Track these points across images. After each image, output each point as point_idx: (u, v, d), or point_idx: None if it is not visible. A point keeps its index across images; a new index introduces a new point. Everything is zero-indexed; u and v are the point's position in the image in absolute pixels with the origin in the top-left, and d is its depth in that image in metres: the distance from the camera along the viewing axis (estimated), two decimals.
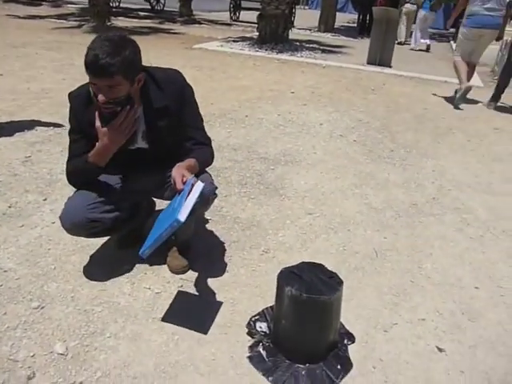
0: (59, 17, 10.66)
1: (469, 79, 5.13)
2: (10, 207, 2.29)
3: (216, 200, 2.48)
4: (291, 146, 3.42)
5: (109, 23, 9.13)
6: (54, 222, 2.18)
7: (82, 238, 2.03)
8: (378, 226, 2.43)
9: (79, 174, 1.71)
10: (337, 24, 12.92)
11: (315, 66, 6.87)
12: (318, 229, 2.34)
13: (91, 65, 1.44)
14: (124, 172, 1.82)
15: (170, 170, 1.58)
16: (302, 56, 7.59)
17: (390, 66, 7.16)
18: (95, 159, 1.62)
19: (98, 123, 1.58)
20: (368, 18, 11.84)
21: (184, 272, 1.91)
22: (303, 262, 1.61)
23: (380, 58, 7.16)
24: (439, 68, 7.88)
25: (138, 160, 1.77)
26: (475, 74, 5.72)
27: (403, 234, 2.38)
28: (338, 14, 13.13)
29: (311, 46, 8.86)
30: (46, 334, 1.54)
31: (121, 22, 10.20)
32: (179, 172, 1.52)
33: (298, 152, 3.32)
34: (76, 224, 1.66)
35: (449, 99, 5.41)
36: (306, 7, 22.41)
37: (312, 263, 1.61)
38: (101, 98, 1.48)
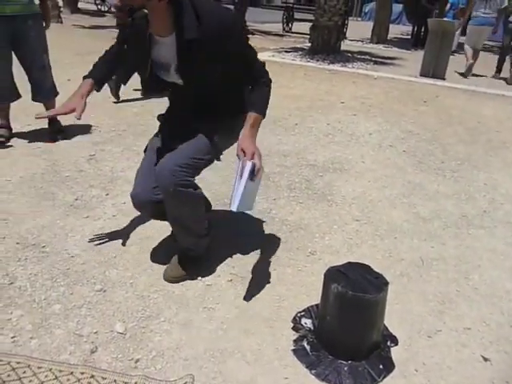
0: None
1: (474, 60, 7.58)
2: (76, 200, 2.49)
3: (265, 202, 2.59)
4: (340, 154, 3.47)
5: None
6: (114, 216, 2.35)
7: (140, 230, 2.20)
8: (426, 236, 2.43)
9: None
10: (390, 36, 12.78)
11: (366, 77, 6.86)
12: (364, 235, 2.38)
13: None
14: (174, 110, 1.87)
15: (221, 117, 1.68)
16: (353, 67, 7.60)
17: (444, 78, 7.03)
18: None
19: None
20: (423, 29, 11.68)
21: (176, 282, 1.87)
22: (350, 262, 1.67)
23: (434, 69, 7.05)
24: (495, 81, 7.65)
25: (180, 98, 1.80)
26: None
27: (451, 244, 2.37)
28: (391, 25, 13.00)
29: (363, 57, 8.85)
30: (108, 315, 1.68)
31: None
32: (250, 149, 1.56)
33: (346, 160, 3.36)
34: (144, 205, 1.80)
35: (504, 113, 5.26)
36: (359, 19, 22.30)
37: (358, 263, 1.66)
38: (116, 1, 1.46)
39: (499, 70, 7.89)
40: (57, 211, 2.35)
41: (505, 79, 7.50)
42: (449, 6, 9.58)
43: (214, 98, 1.73)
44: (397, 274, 2.07)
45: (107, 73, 1.88)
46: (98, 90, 1.86)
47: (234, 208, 1.50)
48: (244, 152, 1.56)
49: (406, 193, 2.92)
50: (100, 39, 8.75)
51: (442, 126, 4.51)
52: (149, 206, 1.79)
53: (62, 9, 12.34)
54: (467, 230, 2.54)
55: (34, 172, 2.76)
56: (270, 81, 1.76)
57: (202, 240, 1.92)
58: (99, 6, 15.33)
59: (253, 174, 1.54)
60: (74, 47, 7.21)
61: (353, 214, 2.60)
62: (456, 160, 3.59)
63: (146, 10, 1.49)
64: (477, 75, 7.81)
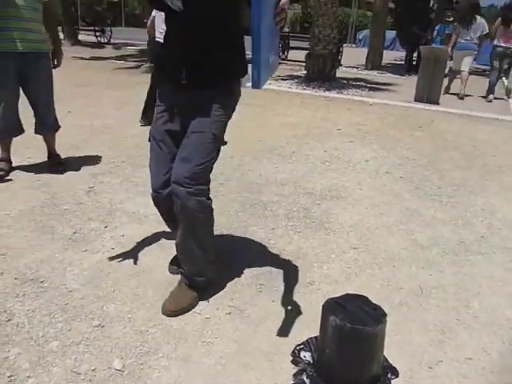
0: (120, 58, 11.47)
1: (464, 81, 8.24)
2: (74, 233, 2.50)
3: (263, 232, 2.61)
4: (337, 181, 3.50)
5: None
6: (113, 248, 2.36)
7: (139, 262, 2.20)
8: (424, 263, 2.43)
9: None
10: (384, 62, 13.05)
11: (362, 103, 6.97)
12: (362, 263, 2.38)
13: None
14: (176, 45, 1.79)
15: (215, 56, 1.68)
16: (348, 94, 7.73)
17: (438, 103, 7.14)
18: None
19: None
20: (416, 55, 11.99)
21: (175, 316, 1.86)
22: (348, 294, 1.67)
23: (428, 95, 7.17)
24: (490, 104, 7.77)
25: (180, 30, 1.74)
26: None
27: (450, 271, 2.37)
28: (385, 51, 13.28)
29: (358, 83, 9.01)
30: (106, 351, 1.67)
31: None
32: None
33: (343, 188, 3.39)
34: (164, 199, 1.86)
35: (499, 137, 5.33)
36: (354, 45, 22.79)
37: (356, 295, 1.66)
38: None
39: (491, 91, 8.34)
40: (55, 245, 2.35)
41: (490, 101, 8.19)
42: (435, 32, 10.11)
43: (211, 37, 1.72)
44: (396, 303, 2.07)
45: None
46: None
47: (258, 85, 1.43)
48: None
49: (403, 219, 2.94)
50: (99, 70, 8.94)
51: (437, 151, 4.56)
52: (168, 199, 1.83)
53: (62, 41, 12.64)
54: (465, 256, 2.54)
55: (33, 205, 2.78)
56: None
57: (210, 265, 1.96)
58: (99, 38, 15.69)
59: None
60: (74, 79, 7.33)
61: (350, 242, 2.60)
62: (452, 185, 3.62)
63: None
64: (468, 95, 8.35)
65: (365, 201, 3.18)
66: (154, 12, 4.33)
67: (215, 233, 2.44)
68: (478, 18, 8.17)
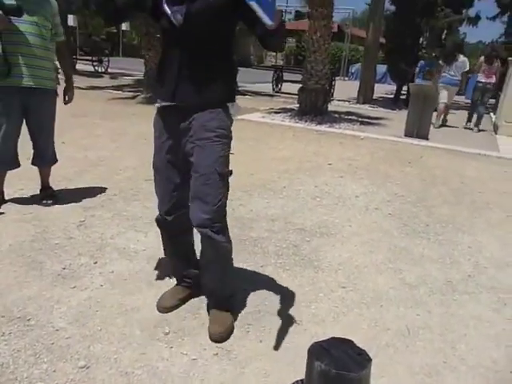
0: (116, 88, 11.66)
1: (446, 113, 9.31)
2: (64, 269, 2.50)
3: (252, 270, 2.62)
4: (327, 217, 3.55)
5: None
6: (102, 285, 2.36)
7: (127, 301, 2.20)
8: (411, 303, 2.45)
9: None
10: (375, 95, 13.34)
11: (353, 137, 7.11)
12: (350, 303, 2.39)
13: None
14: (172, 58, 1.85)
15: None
16: (340, 127, 7.88)
17: (428, 139, 7.29)
18: None
19: None
20: (405, 89, 12.36)
21: (222, 339, 1.99)
22: (333, 338, 1.68)
23: (417, 130, 7.33)
24: (478, 140, 7.95)
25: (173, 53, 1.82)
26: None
27: (437, 311, 2.39)
28: (376, 85, 13.59)
29: (349, 117, 9.19)
30: None
31: None
32: None
33: (333, 224, 3.43)
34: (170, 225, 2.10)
35: (487, 173, 5.44)
36: (346, 78, 23.31)
37: (342, 339, 1.67)
38: None
39: (470, 120, 9.46)
40: (44, 281, 2.35)
41: (471, 128, 9.24)
42: (418, 69, 10.68)
43: (207, 56, 1.78)
44: (383, 344, 2.07)
45: None
46: None
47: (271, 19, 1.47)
48: None
49: (391, 257, 2.97)
50: (96, 100, 9.06)
51: (426, 187, 4.64)
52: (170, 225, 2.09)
53: (59, 70, 12.83)
54: (452, 296, 2.56)
55: (23, 239, 2.78)
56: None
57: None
58: (96, 68, 15.95)
59: None
60: (70, 109, 7.33)
61: (339, 280, 2.62)
62: (441, 222, 3.68)
63: None
64: (450, 126, 9.30)
65: (354, 238, 3.22)
66: None
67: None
68: (461, 56, 9.02)
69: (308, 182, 4.43)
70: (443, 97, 8.90)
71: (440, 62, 9.45)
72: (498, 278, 2.82)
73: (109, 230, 3.01)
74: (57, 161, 3.49)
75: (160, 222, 2.13)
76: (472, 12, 18.40)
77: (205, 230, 1.88)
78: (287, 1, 26.55)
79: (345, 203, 3.92)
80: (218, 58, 1.84)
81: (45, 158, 3.38)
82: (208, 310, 2.15)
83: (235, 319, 2.14)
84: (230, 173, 1.98)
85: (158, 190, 2.06)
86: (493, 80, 8.87)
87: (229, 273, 2.13)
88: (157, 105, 1.97)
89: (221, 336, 1.99)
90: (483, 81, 8.84)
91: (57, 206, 3.37)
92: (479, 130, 9.01)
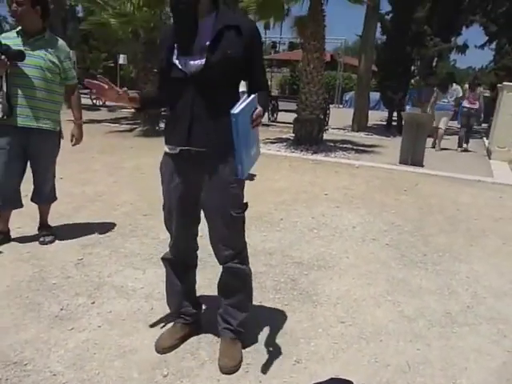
0: (113, 121, 11.81)
1: (440, 136, 9.85)
2: (61, 309, 2.49)
3: (251, 306, 2.61)
4: (324, 249, 3.56)
5: (157, 127, 9.97)
6: (100, 326, 2.35)
7: (125, 342, 2.19)
8: (411, 337, 2.44)
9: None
10: (370, 122, 13.53)
11: (349, 166, 7.18)
12: (349, 338, 2.38)
13: None
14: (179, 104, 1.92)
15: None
16: (335, 156, 7.98)
17: (423, 165, 7.38)
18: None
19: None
20: (396, 115, 12.68)
21: (233, 372, 2.03)
22: (332, 378, 1.68)
23: (412, 157, 7.42)
24: (472, 166, 8.04)
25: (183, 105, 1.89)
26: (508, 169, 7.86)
27: (436, 345, 2.38)
28: (370, 112, 13.79)
29: (345, 146, 9.31)
30: None
31: None
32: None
33: (330, 256, 3.44)
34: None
35: (482, 199, 5.49)
36: (341, 106, 23.67)
37: (341, 379, 1.67)
38: None
39: (460, 145, 10.13)
40: (41, 324, 2.34)
41: (468, 150, 10.06)
42: (407, 96, 11.65)
43: (215, 104, 1.86)
44: (383, 381, 2.06)
45: (151, 97, 2.20)
46: (137, 107, 2.10)
47: (242, 176, 1.72)
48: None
49: (389, 289, 2.97)
50: (94, 135, 9.14)
51: (422, 215, 4.67)
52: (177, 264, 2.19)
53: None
54: (451, 328, 2.56)
55: (21, 280, 2.78)
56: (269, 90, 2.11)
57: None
58: (94, 101, 16.17)
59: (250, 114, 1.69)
60: (68, 143, 7.50)
61: (338, 315, 2.62)
62: (437, 251, 3.69)
63: None
64: (446, 149, 9.99)
65: (352, 270, 3.22)
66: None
67: (203, 306, 2.47)
68: (454, 84, 10.00)
69: (305, 213, 4.46)
70: (441, 122, 9.64)
71: (435, 89, 10.10)
72: (497, 308, 2.81)
73: (106, 268, 3.01)
74: (56, 199, 3.52)
75: (168, 260, 2.19)
76: (461, 40, 18.88)
77: (228, 265, 2.04)
78: (281, 32, 27.17)
79: (342, 234, 3.93)
80: (231, 101, 1.85)
81: (42, 195, 3.41)
82: (220, 341, 2.19)
83: None
84: (246, 206, 2.03)
85: (171, 231, 2.13)
86: (476, 106, 9.91)
87: (251, 298, 2.23)
88: (166, 150, 2.01)
89: (232, 370, 2.04)
90: (468, 106, 9.86)
91: (55, 243, 3.38)
92: (462, 151, 9.92)
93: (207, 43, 1.81)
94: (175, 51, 1.86)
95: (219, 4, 1.90)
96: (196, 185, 1.96)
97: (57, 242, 3.41)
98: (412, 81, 15.11)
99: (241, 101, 1.65)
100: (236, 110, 1.60)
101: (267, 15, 9.56)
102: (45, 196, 3.44)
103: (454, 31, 16.58)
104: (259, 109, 1.73)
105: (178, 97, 1.90)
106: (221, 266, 2.10)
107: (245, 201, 2.04)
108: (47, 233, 3.47)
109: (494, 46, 17.61)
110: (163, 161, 2.05)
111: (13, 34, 3.13)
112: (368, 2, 10.06)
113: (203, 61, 1.82)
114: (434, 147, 9.78)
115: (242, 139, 1.63)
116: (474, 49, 18.54)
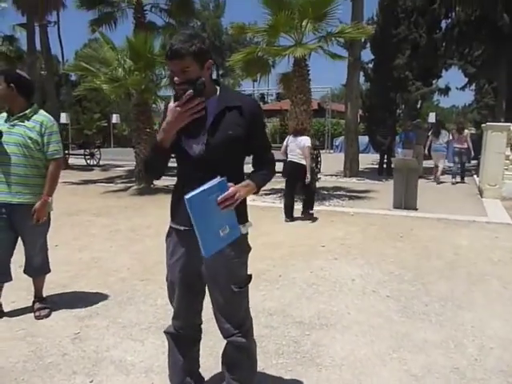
0: (108, 180, 11.91)
1: (439, 173, 11.51)
2: None
3: None
4: (325, 306, 3.51)
5: (152, 185, 10.05)
6: None
7: None
8: None
9: (149, 157, 1.96)
10: (361, 166, 13.70)
11: (343, 214, 7.22)
12: None
13: (168, 51, 1.77)
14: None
15: None
16: (330, 204, 8.03)
17: (416, 209, 7.43)
18: (160, 136, 1.82)
19: (171, 104, 1.77)
20: (386, 158, 12.95)
21: None
22: None
23: (405, 202, 7.49)
24: (465, 205, 8.11)
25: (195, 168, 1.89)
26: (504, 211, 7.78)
27: None
28: (361, 155, 13.92)
29: (338, 193, 9.39)
30: None
31: (162, 181, 11.24)
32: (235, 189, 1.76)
33: (331, 313, 3.39)
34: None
35: (479, 241, 5.50)
36: (331, 151, 24.07)
37: None
38: (176, 79, 1.78)
39: (454, 177, 11.62)
40: None
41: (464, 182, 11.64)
42: (398, 139, 12.72)
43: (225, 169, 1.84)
44: None
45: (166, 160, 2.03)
46: (165, 148, 1.90)
47: (206, 255, 1.73)
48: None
49: (394, 345, 2.91)
50: (89, 195, 9.22)
51: (420, 262, 4.65)
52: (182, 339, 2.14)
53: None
54: None
55: (16, 361, 2.70)
56: (274, 166, 2.06)
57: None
58: (88, 161, 16.39)
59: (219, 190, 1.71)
60: (62, 206, 7.49)
61: (344, 378, 2.55)
62: (439, 300, 3.65)
63: (203, 78, 1.78)
64: (443, 182, 11.41)
65: (354, 327, 3.17)
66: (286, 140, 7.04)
67: (205, 378, 2.40)
68: (443, 130, 11.87)
69: (303, 268, 4.43)
70: (439, 162, 11.49)
71: (429, 134, 12.09)
72: (505, 360, 2.76)
73: (104, 342, 2.94)
74: (49, 271, 3.47)
75: (171, 334, 2.14)
76: (443, 81, 19.66)
77: (233, 339, 2.00)
78: (268, 84, 28.00)
79: (341, 288, 3.89)
80: (235, 180, 1.88)
81: (33, 268, 3.37)
82: None
83: None
84: (250, 279, 2.03)
85: (174, 304, 2.10)
86: (465, 146, 11.46)
87: (255, 371, 2.17)
88: (171, 225, 2.04)
89: None
90: (458, 146, 11.52)
91: (51, 317, 3.31)
92: (453, 183, 11.38)
93: (207, 126, 1.86)
94: (182, 134, 1.87)
95: (220, 83, 1.96)
96: (198, 258, 1.94)
97: (53, 314, 3.35)
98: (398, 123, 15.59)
99: (206, 184, 1.70)
100: (189, 195, 1.66)
101: (253, 73, 9.92)
102: (36, 268, 3.40)
103: (434, 75, 17.26)
104: (230, 190, 1.74)
105: (186, 177, 1.95)
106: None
107: (248, 272, 2.03)
108: (42, 306, 3.41)
109: (473, 86, 18.27)
110: (168, 232, 2.07)
111: (3, 113, 3.24)
112: (348, 57, 10.49)
113: (205, 143, 1.87)
114: (434, 181, 11.43)
115: (202, 221, 1.68)
116: (455, 90, 19.20)
